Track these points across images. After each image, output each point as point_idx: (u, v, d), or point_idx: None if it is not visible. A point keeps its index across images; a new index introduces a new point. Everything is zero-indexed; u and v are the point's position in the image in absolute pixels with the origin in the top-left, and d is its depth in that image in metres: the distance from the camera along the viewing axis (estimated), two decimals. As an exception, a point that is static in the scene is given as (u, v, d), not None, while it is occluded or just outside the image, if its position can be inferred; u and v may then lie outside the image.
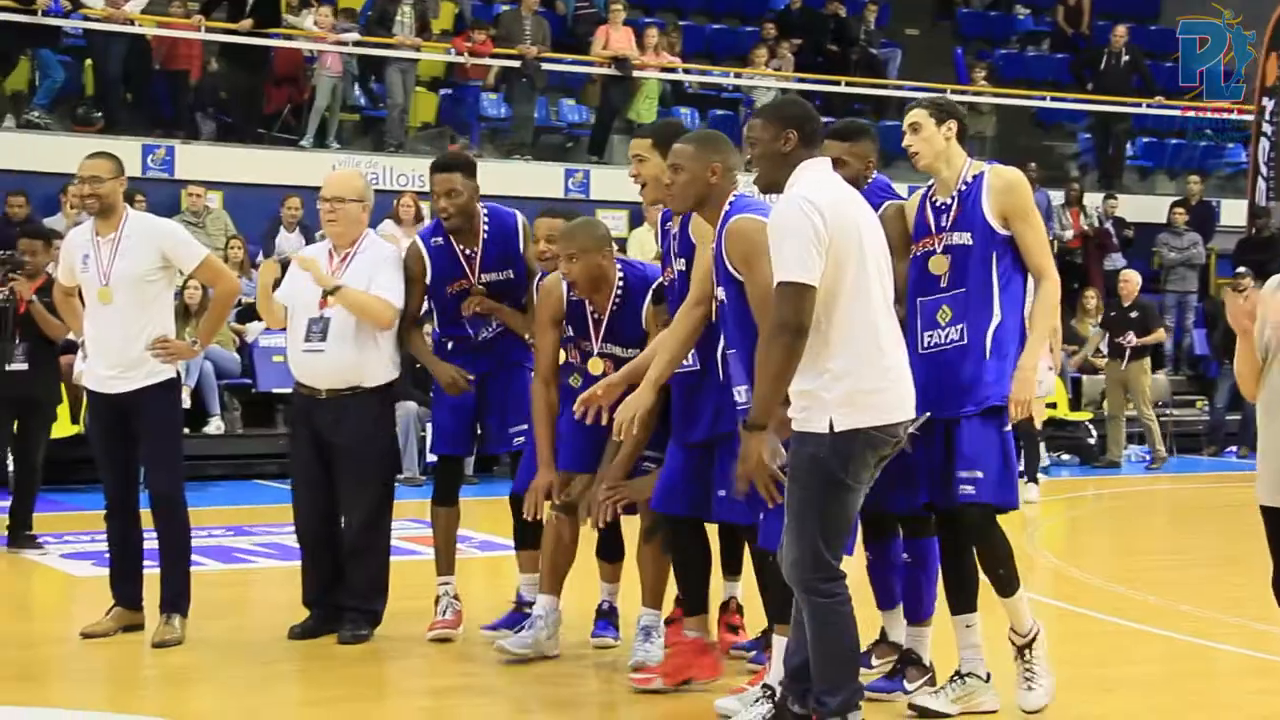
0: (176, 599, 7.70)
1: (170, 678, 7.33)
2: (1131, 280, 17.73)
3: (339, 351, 7.54)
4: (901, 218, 6.63)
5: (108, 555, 8.04)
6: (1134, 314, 17.43)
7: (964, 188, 6.47)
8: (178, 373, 7.82)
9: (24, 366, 10.21)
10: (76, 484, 12.07)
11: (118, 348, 7.55)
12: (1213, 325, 19.61)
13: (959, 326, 6.38)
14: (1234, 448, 18.41)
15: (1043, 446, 15.95)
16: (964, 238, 6.38)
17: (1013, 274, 6.44)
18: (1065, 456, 17.96)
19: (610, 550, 7.68)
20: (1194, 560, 12.09)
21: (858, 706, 5.68)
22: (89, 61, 17.47)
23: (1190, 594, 10.02)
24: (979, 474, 6.30)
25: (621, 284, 7.19)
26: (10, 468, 10.71)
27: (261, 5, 17.70)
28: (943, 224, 6.46)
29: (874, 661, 6.91)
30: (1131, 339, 17.25)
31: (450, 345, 7.99)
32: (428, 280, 7.80)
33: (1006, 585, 6.42)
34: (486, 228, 7.85)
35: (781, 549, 5.66)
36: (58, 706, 6.71)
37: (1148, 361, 17.64)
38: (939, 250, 6.43)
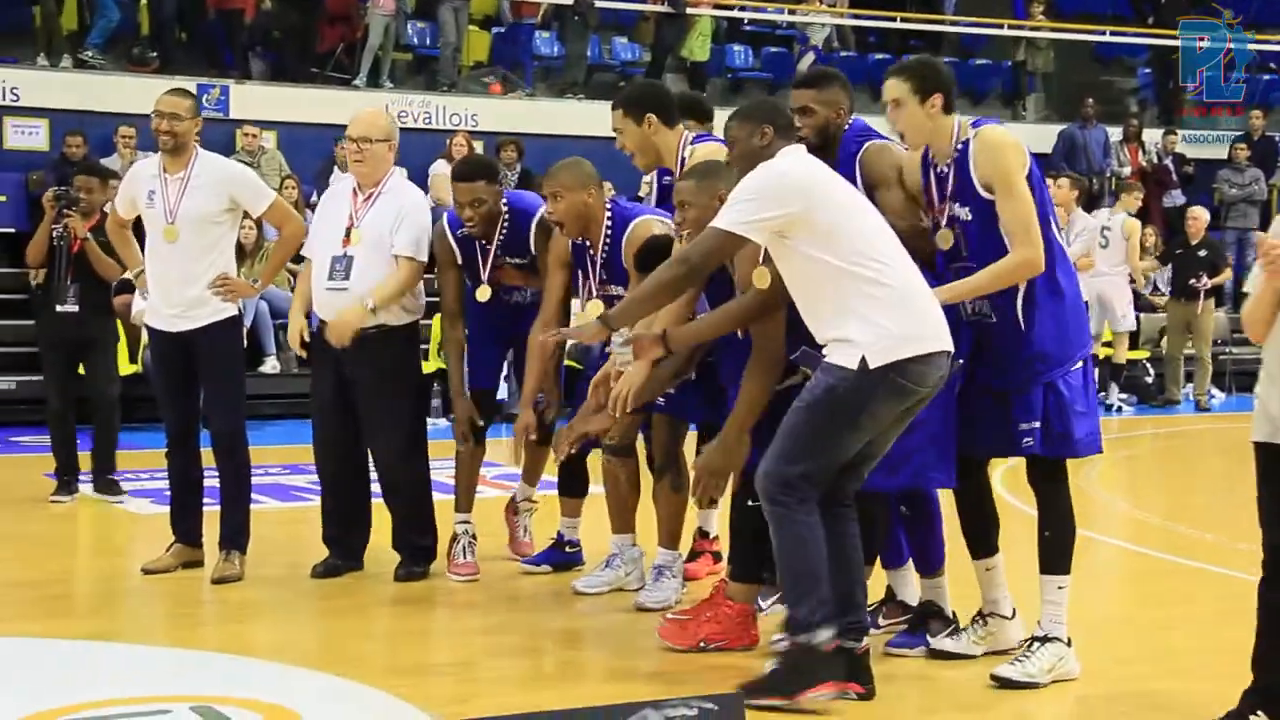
0: (236, 536, 7.78)
1: (229, 613, 7.41)
2: (1200, 218, 17.54)
3: (362, 290, 7.50)
4: (888, 153, 6.32)
5: (168, 492, 8.11)
6: (1202, 252, 17.26)
7: (958, 153, 6.07)
8: (239, 311, 7.87)
9: (74, 308, 10.12)
10: (136, 423, 12.14)
11: (179, 286, 7.59)
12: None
13: (984, 300, 6.11)
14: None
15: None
16: (964, 211, 6.04)
17: None
18: (1122, 396, 17.88)
19: (571, 486, 7.79)
20: (1249, 499, 12.04)
21: (827, 622, 5.60)
22: (143, 1, 17.51)
23: (1248, 533, 9.95)
24: (1037, 424, 6.14)
25: (610, 224, 7.12)
26: (55, 409, 10.43)
27: None
28: (945, 193, 6.13)
29: (881, 621, 6.71)
30: (1205, 281, 17.10)
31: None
32: (460, 265, 7.79)
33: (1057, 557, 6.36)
34: (505, 224, 7.70)
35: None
36: (119, 641, 6.78)
37: (1212, 302, 17.49)
38: (944, 224, 6.11)
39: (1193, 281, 17.11)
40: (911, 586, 6.77)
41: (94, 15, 17.09)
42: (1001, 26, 21.93)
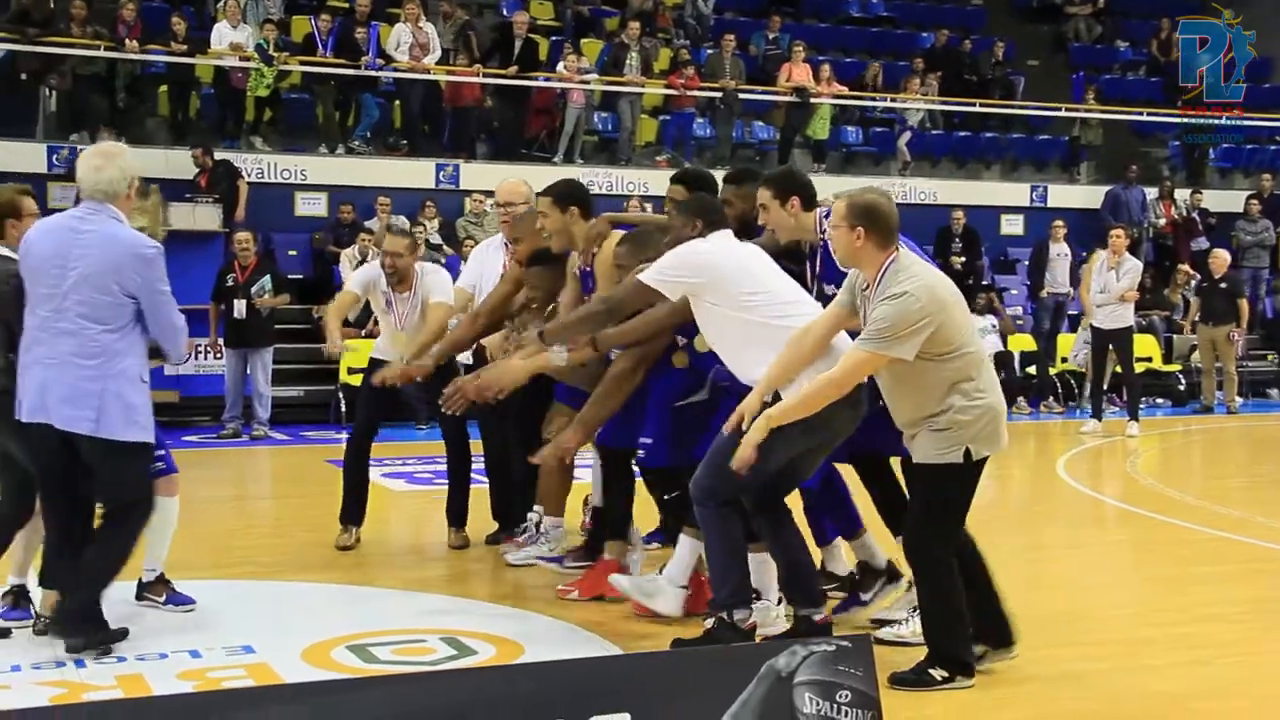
0: (463, 513, 7.83)
1: (454, 574, 7.38)
2: (1221, 257, 17.02)
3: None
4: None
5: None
6: (1223, 285, 16.71)
7: (822, 241, 5.72)
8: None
9: None
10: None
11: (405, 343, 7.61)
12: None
13: None
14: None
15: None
16: (831, 289, 5.63)
17: None
18: (1159, 400, 17.50)
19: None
20: (1267, 482, 11.79)
21: (746, 604, 5.47)
22: (397, 102, 17.82)
23: (1264, 509, 9.76)
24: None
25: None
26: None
27: (525, 55, 17.91)
28: (816, 274, 5.83)
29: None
30: (1236, 335, 16.56)
31: None
32: None
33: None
34: None
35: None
36: (376, 586, 6.87)
37: (1232, 326, 16.92)
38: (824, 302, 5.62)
39: (1233, 335, 16.53)
40: (841, 560, 6.46)
41: (359, 114, 17.42)
42: (1060, 109, 21.57)
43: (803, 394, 5.09)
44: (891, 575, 6.17)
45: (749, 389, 5.37)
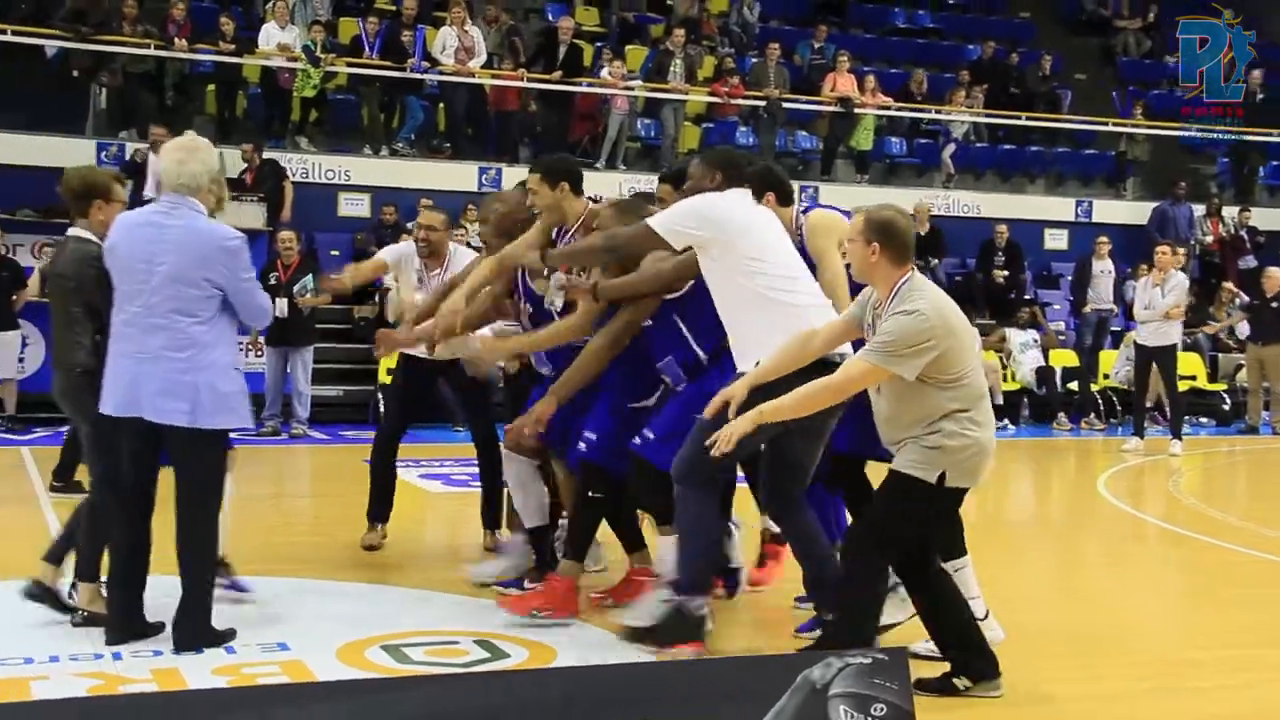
0: (497, 515, 7.81)
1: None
2: (1275, 276, 16.70)
3: None
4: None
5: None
6: (1275, 304, 16.41)
7: (798, 235, 5.78)
8: None
9: None
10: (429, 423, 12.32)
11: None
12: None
13: None
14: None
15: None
16: None
17: None
18: (1203, 420, 17.33)
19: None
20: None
21: (703, 590, 5.45)
22: (441, 105, 17.87)
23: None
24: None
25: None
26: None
27: (569, 60, 17.94)
28: None
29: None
30: None
31: None
32: None
33: None
34: None
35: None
36: (409, 587, 6.87)
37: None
38: None
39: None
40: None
41: (404, 116, 17.49)
42: (1107, 123, 21.41)
43: (799, 395, 5.02)
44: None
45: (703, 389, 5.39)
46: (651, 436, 5.73)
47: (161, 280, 5.33)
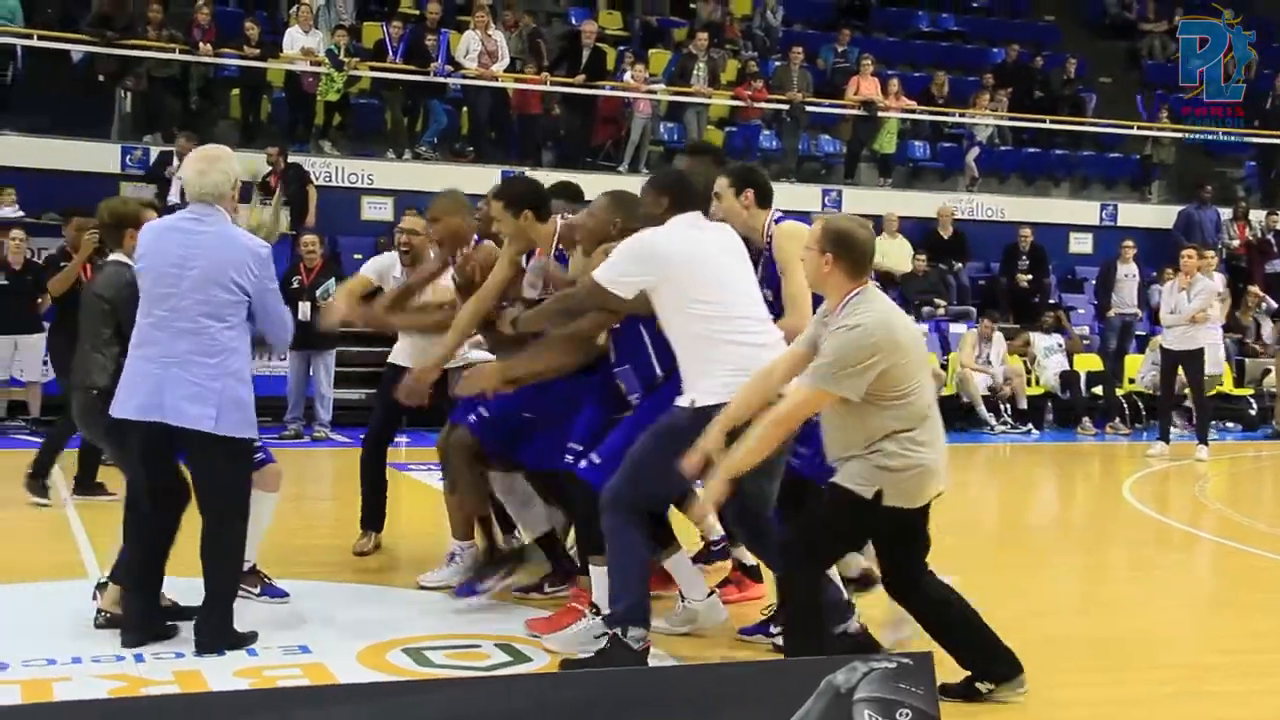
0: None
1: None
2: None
3: None
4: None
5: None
6: (1301, 308, 16.50)
7: (767, 243, 5.68)
8: None
9: None
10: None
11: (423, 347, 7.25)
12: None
13: None
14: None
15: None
16: (768, 294, 5.59)
17: None
18: (1229, 424, 17.22)
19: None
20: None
21: (642, 622, 5.23)
22: (465, 108, 17.89)
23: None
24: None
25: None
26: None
27: (592, 63, 17.95)
28: (758, 275, 5.61)
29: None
30: None
31: None
32: None
33: None
34: None
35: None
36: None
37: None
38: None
39: None
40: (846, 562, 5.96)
41: (427, 120, 17.52)
42: (1132, 127, 21.31)
43: (753, 441, 4.90)
44: (864, 582, 5.91)
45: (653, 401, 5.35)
46: (597, 461, 5.57)
47: (192, 284, 5.35)
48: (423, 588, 6.75)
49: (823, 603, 5.06)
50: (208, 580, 5.50)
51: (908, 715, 3.64)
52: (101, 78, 16.25)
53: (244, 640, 5.53)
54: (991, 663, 5.10)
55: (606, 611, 5.45)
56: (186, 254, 5.38)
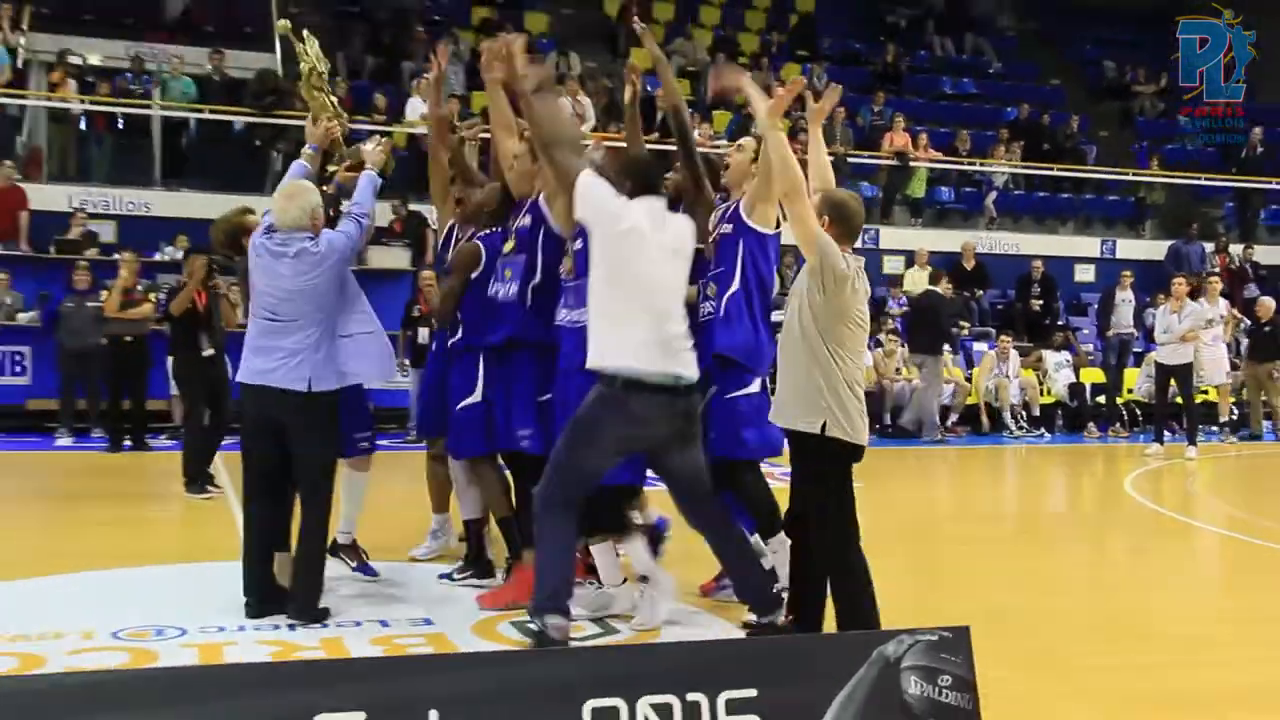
0: None
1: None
2: (1267, 304, 16.40)
3: None
4: None
5: None
6: (1267, 329, 16.15)
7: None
8: None
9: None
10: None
11: None
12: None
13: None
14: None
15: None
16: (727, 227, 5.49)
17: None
18: (1214, 427, 16.84)
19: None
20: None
21: (561, 610, 4.69)
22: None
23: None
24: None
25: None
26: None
27: (664, 123, 17.91)
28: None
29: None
30: (1277, 373, 16.04)
31: None
32: None
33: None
34: None
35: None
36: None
37: (1278, 364, 16.33)
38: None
39: (1274, 373, 16.02)
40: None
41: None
42: (1128, 173, 20.99)
43: (776, 135, 4.67)
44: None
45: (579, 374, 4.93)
46: (528, 433, 5.39)
47: (281, 296, 5.31)
48: (414, 559, 6.65)
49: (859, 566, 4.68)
50: (303, 557, 5.42)
51: (948, 680, 3.56)
52: (258, 142, 16.49)
53: (322, 615, 5.40)
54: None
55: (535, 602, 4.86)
56: (275, 272, 5.33)
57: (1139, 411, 16.54)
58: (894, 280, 18.09)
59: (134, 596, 5.77)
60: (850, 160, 18.99)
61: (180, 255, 13.05)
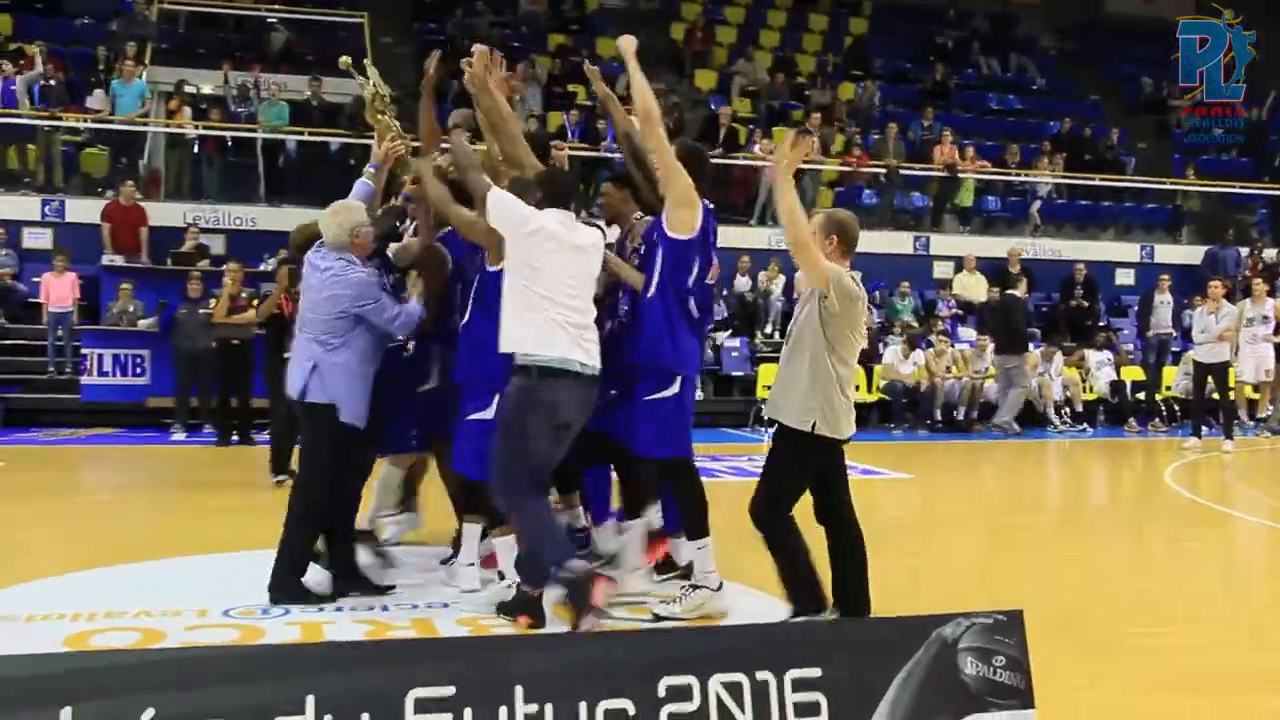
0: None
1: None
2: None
3: None
4: None
5: None
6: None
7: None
8: None
9: None
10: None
11: None
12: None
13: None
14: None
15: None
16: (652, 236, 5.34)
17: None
18: (1249, 422, 16.42)
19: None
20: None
21: (568, 558, 4.76)
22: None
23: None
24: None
25: None
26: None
27: (728, 139, 17.89)
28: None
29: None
30: None
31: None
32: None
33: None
34: None
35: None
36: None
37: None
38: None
39: None
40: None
41: (597, 187, 17.50)
42: (1165, 182, 20.54)
43: (784, 188, 4.68)
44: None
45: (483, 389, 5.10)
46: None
47: (319, 308, 5.32)
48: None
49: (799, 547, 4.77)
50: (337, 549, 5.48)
51: (1002, 661, 3.47)
52: (352, 161, 16.66)
53: (316, 599, 5.36)
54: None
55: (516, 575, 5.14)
56: (319, 286, 5.34)
57: (1177, 407, 16.19)
58: (943, 284, 17.87)
59: (243, 578, 5.82)
60: (902, 172, 18.80)
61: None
